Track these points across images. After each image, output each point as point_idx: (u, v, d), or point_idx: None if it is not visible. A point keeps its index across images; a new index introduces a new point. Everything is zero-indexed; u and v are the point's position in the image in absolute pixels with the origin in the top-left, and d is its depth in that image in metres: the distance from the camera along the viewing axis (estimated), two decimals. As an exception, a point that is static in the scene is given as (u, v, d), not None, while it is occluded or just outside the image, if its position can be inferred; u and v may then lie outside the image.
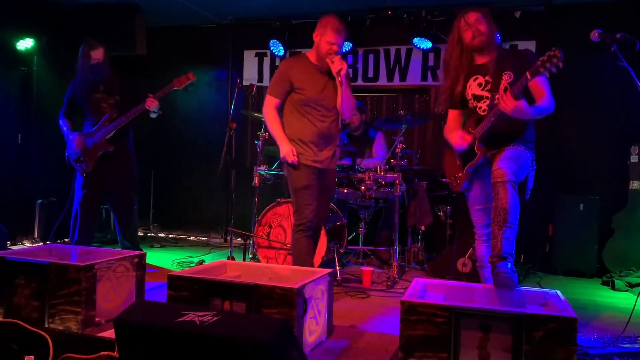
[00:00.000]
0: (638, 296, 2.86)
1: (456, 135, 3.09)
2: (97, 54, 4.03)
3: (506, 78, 2.90)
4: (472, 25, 2.94)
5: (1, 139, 5.30)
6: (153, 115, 4.20)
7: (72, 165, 4.13)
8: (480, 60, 3.03)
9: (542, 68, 2.56)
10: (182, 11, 5.81)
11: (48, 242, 5.21)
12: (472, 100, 3.05)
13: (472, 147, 3.00)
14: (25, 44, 5.34)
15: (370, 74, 5.78)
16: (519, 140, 2.91)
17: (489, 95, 2.97)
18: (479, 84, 3.03)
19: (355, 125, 4.95)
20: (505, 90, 2.79)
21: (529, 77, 2.63)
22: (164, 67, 6.34)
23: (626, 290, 4.16)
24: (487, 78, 2.99)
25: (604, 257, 4.61)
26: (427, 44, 5.36)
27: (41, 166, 5.50)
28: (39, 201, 5.47)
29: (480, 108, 3.03)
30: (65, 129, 4.21)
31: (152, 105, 4.03)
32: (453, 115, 3.21)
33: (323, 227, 3.89)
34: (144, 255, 3.04)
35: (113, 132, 4.05)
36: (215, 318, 1.89)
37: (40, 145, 5.54)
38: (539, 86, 2.84)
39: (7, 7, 5.22)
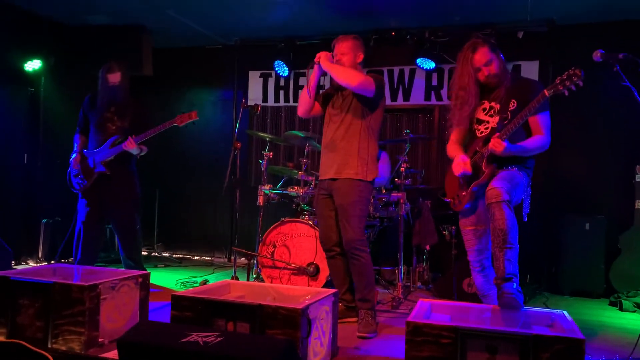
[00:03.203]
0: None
1: (458, 159, 3.06)
2: (114, 78, 4.12)
3: (511, 106, 2.93)
4: (484, 69, 2.98)
5: (8, 159, 5.35)
6: (140, 154, 4.23)
7: (71, 181, 4.17)
8: (492, 83, 3.04)
9: (561, 86, 2.62)
10: (188, 32, 5.89)
11: (52, 262, 5.21)
12: (474, 123, 3.09)
13: (477, 166, 2.99)
14: (32, 65, 5.41)
15: (374, 94, 5.82)
16: (516, 164, 2.92)
17: (490, 120, 3.01)
18: (484, 109, 3.06)
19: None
20: (499, 129, 2.86)
21: (524, 116, 2.75)
22: (170, 87, 6.43)
23: (634, 311, 4.11)
24: (492, 104, 3.02)
25: (611, 277, 4.57)
26: (430, 65, 5.41)
27: (47, 186, 5.53)
28: (44, 221, 5.48)
29: (478, 131, 3.06)
30: (75, 145, 4.27)
31: (130, 147, 4.04)
32: (456, 134, 3.21)
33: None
34: (148, 275, 3.04)
35: (113, 157, 4.09)
36: (219, 339, 1.88)
37: (46, 165, 5.58)
38: (538, 123, 2.89)
39: (15, 29, 5.31)
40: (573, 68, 2.59)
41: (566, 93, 2.62)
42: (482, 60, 2.97)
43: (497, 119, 2.95)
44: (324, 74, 3.30)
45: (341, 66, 3.26)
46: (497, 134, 2.82)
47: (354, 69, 3.32)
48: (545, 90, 2.69)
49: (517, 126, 2.79)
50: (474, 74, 3.01)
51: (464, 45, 3.06)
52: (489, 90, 3.05)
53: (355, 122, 3.30)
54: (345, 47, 3.34)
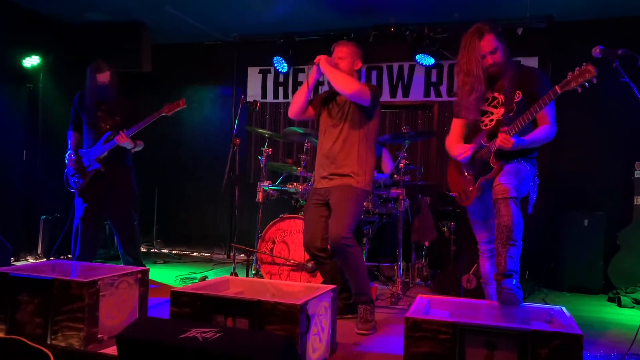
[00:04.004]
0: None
1: (458, 148, 3.05)
2: (103, 77, 4.08)
3: (516, 97, 2.90)
4: (489, 57, 2.93)
5: (7, 156, 5.34)
6: (136, 149, 4.21)
7: (68, 181, 4.17)
8: (493, 72, 2.99)
9: (573, 83, 2.58)
10: (188, 29, 5.88)
11: (52, 258, 5.21)
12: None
13: (484, 161, 2.96)
14: (31, 61, 5.41)
15: (374, 91, 5.81)
16: (521, 156, 2.90)
17: (494, 112, 2.98)
18: (486, 99, 3.02)
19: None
20: (505, 122, 2.83)
21: (534, 112, 2.71)
22: (169, 84, 6.41)
23: (632, 307, 4.12)
24: (495, 94, 2.99)
25: (610, 274, 4.58)
26: (429, 61, 5.40)
27: (46, 182, 5.53)
28: (43, 217, 5.48)
29: (482, 123, 3.02)
30: (69, 141, 4.26)
31: (121, 141, 4.01)
32: (458, 125, 3.17)
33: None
34: (147, 271, 3.04)
35: (107, 152, 4.08)
36: (217, 335, 1.88)
37: (45, 162, 5.57)
38: (544, 113, 2.84)
39: (14, 25, 5.29)
40: (585, 64, 2.55)
41: (579, 90, 2.59)
42: (488, 47, 2.90)
43: (501, 110, 2.92)
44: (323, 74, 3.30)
45: (339, 72, 3.24)
46: (505, 129, 2.77)
47: (350, 75, 3.30)
48: (557, 87, 2.65)
49: (526, 122, 2.75)
50: (480, 60, 2.93)
51: (468, 30, 2.98)
52: (492, 80, 3.00)
53: (353, 131, 3.30)
54: (344, 52, 3.34)
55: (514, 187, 2.68)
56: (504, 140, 2.76)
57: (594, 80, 2.54)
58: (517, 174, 2.80)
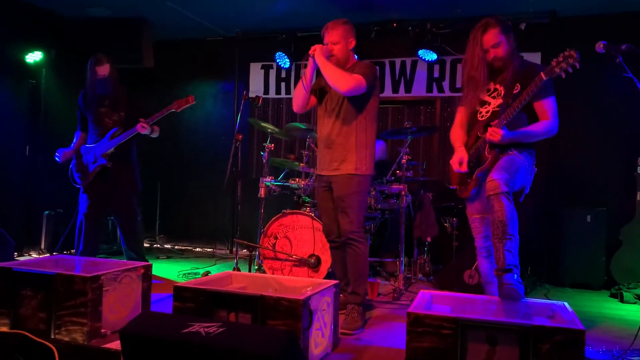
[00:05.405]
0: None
1: (456, 156, 3.06)
2: (103, 70, 4.06)
3: (515, 89, 2.90)
4: (492, 50, 2.95)
5: (9, 151, 5.35)
6: (153, 136, 4.22)
7: (73, 176, 4.18)
8: (497, 66, 3.01)
9: (557, 69, 2.60)
10: (190, 25, 5.88)
11: (55, 253, 5.23)
12: (478, 105, 3.07)
13: (479, 153, 2.99)
14: (34, 57, 5.41)
15: (376, 86, 5.80)
16: (515, 146, 2.90)
17: (491, 102, 3.00)
18: (487, 90, 3.04)
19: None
20: (501, 109, 2.83)
21: (523, 101, 2.73)
22: (171, 80, 6.41)
23: (635, 303, 4.12)
24: (497, 86, 3.01)
25: (612, 269, 4.58)
26: (432, 56, 5.39)
27: (48, 177, 5.53)
28: (46, 212, 5.50)
29: (480, 113, 3.05)
30: (74, 141, 4.27)
31: (143, 130, 4.03)
32: (462, 113, 3.19)
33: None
34: (150, 266, 3.05)
35: (113, 148, 4.09)
36: (220, 329, 1.88)
37: (47, 157, 5.56)
38: (544, 107, 2.85)
39: (17, 21, 5.29)
40: (568, 49, 2.58)
41: (563, 75, 2.61)
42: (491, 41, 2.93)
43: (499, 101, 2.95)
44: None
45: (333, 67, 3.14)
46: (495, 122, 2.80)
47: (346, 57, 3.26)
48: (542, 74, 2.67)
49: (516, 111, 2.76)
50: (484, 54, 2.97)
51: (476, 24, 3.00)
52: (497, 72, 3.02)
53: (350, 116, 3.23)
54: (336, 36, 3.22)
55: (504, 182, 2.68)
56: (492, 133, 2.79)
57: (577, 65, 2.56)
58: (509, 167, 2.79)
